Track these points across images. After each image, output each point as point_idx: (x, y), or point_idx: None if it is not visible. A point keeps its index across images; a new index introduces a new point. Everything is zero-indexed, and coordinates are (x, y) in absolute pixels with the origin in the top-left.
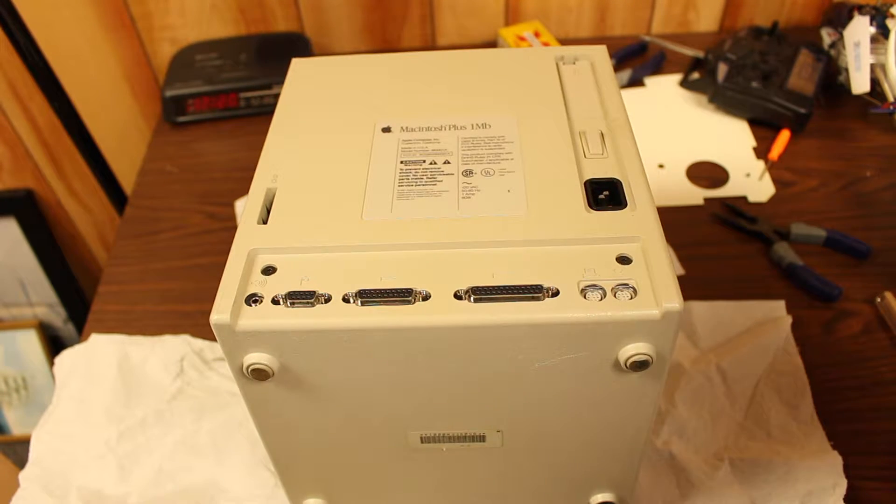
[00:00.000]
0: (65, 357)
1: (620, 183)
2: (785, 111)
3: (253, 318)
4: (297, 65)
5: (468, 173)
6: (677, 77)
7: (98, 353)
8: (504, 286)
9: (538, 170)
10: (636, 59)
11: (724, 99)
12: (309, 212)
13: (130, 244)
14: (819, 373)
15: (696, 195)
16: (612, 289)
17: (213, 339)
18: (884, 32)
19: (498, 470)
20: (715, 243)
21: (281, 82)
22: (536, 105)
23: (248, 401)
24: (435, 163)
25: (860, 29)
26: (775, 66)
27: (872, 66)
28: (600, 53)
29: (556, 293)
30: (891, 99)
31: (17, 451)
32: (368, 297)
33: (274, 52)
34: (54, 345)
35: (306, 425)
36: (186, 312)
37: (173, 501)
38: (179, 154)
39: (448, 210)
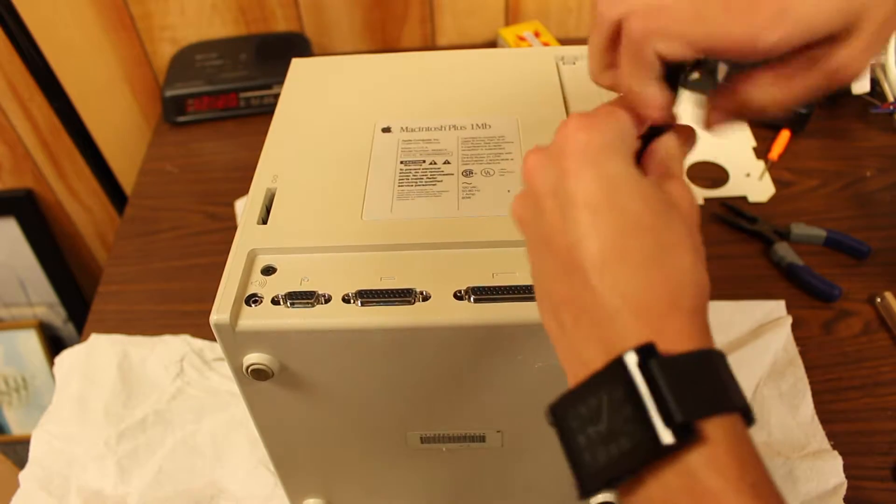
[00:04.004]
0: (65, 357)
1: None
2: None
3: (253, 319)
4: (297, 65)
5: (468, 173)
6: None
7: (98, 353)
8: (504, 286)
9: None
10: None
11: None
12: (309, 212)
13: (130, 244)
14: (819, 373)
15: (696, 195)
16: None
17: (213, 339)
18: None
19: (498, 470)
20: (715, 243)
21: (281, 82)
22: (536, 105)
23: (248, 401)
24: (435, 163)
25: None
26: None
27: (872, 66)
28: None
29: None
30: (891, 99)
31: (17, 451)
32: (368, 297)
33: (274, 52)
34: (54, 345)
35: (306, 425)
36: (186, 312)
37: (173, 501)
38: (179, 154)
39: (448, 210)
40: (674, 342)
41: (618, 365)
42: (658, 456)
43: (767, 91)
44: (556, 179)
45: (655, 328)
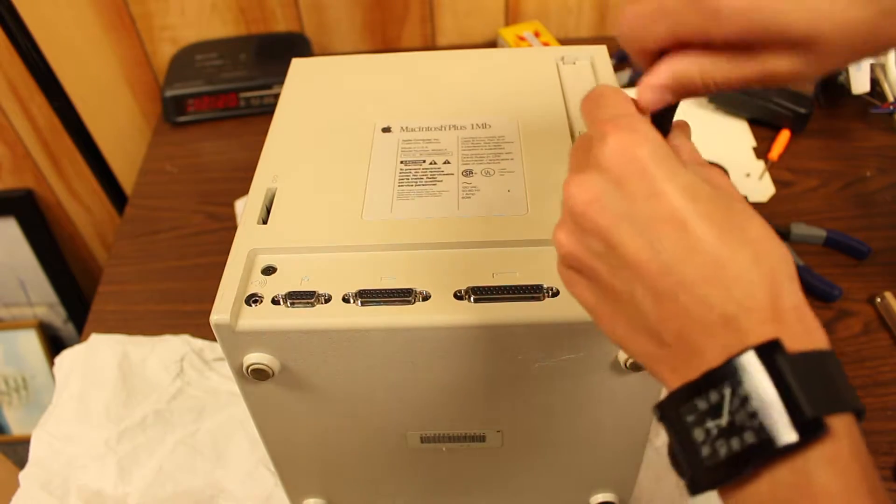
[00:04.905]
0: (65, 357)
1: None
2: (785, 111)
3: (253, 318)
4: (297, 65)
5: (468, 173)
6: None
7: (98, 353)
8: (504, 286)
9: (538, 170)
10: None
11: (724, 99)
12: (309, 212)
13: (130, 244)
14: None
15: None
16: None
17: (213, 339)
18: None
19: (498, 470)
20: None
21: (281, 82)
22: (536, 105)
23: (248, 401)
24: (435, 163)
25: None
26: None
27: (872, 66)
28: (600, 53)
29: (556, 293)
30: (891, 99)
31: (17, 451)
32: (368, 297)
33: (274, 52)
34: (54, 345)
35: (306, 425)
36: (186, 312)
37: (173, 501)
38: (179, 154)
39: (448, 210)
40: (791, 340)
41: (743, 360)
42: (783, 451)
43: (702, 66)
44: (627, 204)
45: (773, 326)
